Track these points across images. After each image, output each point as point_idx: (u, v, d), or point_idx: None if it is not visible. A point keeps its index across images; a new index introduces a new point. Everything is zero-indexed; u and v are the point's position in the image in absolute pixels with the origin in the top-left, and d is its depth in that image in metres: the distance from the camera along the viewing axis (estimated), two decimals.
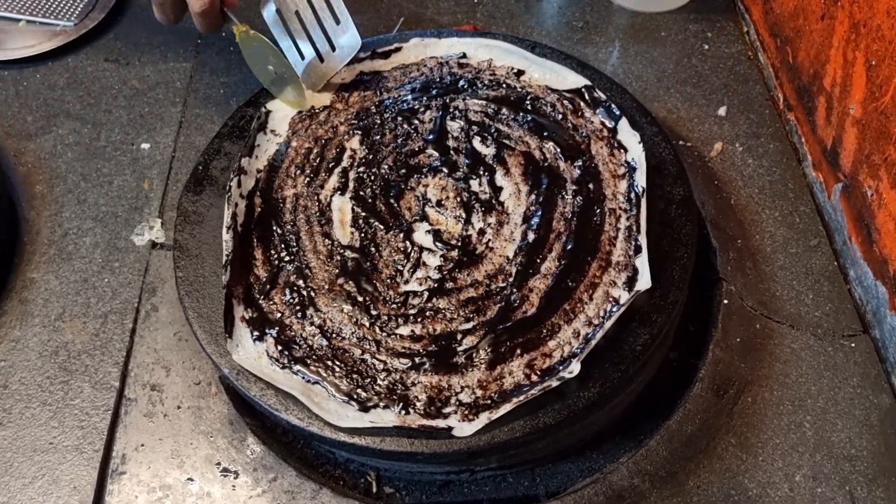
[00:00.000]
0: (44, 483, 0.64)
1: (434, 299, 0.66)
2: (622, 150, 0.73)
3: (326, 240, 0.70)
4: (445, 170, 0.74)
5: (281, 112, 0.79)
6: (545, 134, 0.75)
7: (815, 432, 0.66)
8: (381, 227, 0.71)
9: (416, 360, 0.62)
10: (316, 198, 0.73)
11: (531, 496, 0.67)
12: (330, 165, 0.75)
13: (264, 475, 0.65)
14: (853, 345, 0.71)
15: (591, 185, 0.72)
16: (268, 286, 0.67)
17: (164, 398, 0.69)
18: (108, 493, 0.64)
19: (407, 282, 0.68)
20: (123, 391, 0.69)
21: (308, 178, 0.74)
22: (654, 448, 0.65)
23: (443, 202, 0.72)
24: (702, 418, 0.66)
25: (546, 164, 0.73)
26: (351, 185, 0.74)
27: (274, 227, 0.71)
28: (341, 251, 0.69)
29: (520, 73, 0.80)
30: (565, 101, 0.77)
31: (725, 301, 0.73)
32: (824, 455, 0.65)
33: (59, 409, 0.68)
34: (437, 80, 0.81)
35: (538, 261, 0.67)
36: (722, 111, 0.88)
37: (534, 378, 0.61)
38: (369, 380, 0.62)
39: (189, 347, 0.71)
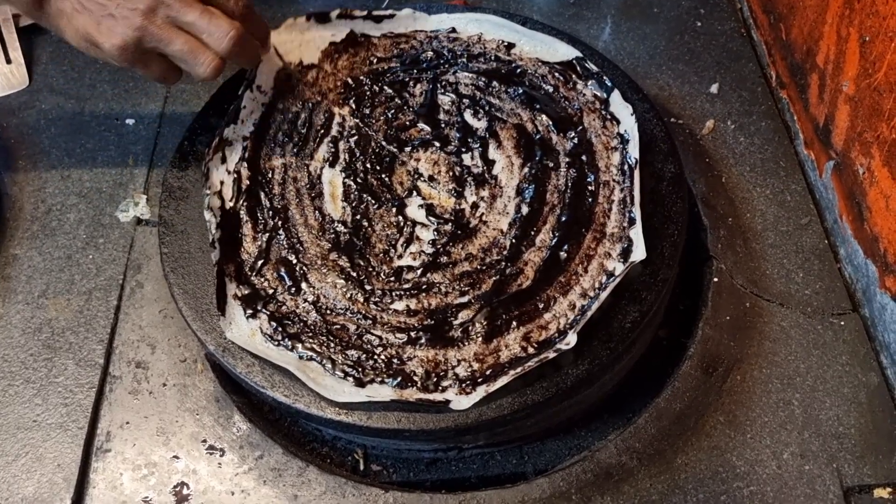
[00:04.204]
0: (27, 460, 0.64)
1: (428, 273, 0.66)
2: (614, 122, 0.72)
3: (318, 214, 0.69)
4: (437, 143, 0.73)
5: (266, 66, 0.77)
6: (537, 106, 0.74)
7: (803, 410, 0.66)
8: (373, 201, 0.70)
9: (412, 334, 0.62)
10: (305, 169, 0.72)
11: (519, 474, 0.67)
12: (319, 133, 0.74)
13: (250, 453, 0.64)
14: (842, 323, 0.71)
15: (584, 158, 0.71)
16: (259, 262, 0.66)
17: (149, 375, 0.68)
18: (92, 470, 0.64)
19: (401, 256, 0.67)
20: (108, 368, 0.69)
21: (297, 148, 0.73)
22: (642, 426, 0.65)
23: (435, 176, 0.72)
24: (691, 396, 0.66)
25: (539, 136, 0.73)
26: (342, 157, 0.73)
27: (263, 200, 0.70)
28: (333, 225, 0.68)
29: (510, 46, 0.79)
30: (557, 74, 0.76)
31: (715, 279, 0.72)
32: (812, 433, 0.65)
33: (43, 386, 0.67)
34: (427, 53, 0.79)
35: (532, 233, 0.67)
36: (714, 88, 0.87)
37: (530, 350, 0.60)
38: (365, 355, 0.61)
39: (174, 324, 0.70)
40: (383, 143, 0.74)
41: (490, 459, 0.68)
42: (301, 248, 0.67)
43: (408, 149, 0.73)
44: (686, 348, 0.69)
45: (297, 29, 0.79)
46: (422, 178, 0.71)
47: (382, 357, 0.61)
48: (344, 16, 0.80)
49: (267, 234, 0.68)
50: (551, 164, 0.71)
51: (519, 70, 0.78)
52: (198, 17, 0.63)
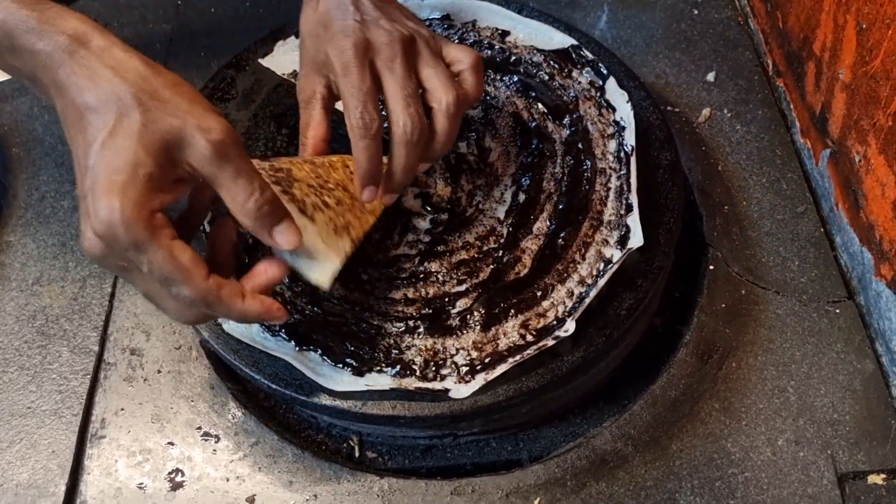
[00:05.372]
0: (22, 447, 0.64)
1: (425, 263, 0.65)
2: (610, 110, 0.72)
3: None
4: None
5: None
6: (532, 94, 0.74)
7: (798, 397, 0.66)
8: None
9: (410, 323, 0.62)
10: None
11: (514, 461, 0.67)
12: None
13: (245, 439, 0.64)
14: (838, 311, 0.71)
15: (580, 146, 0.71)
16: (254, 248, 0.66)
17: (144, 362, 0.68)
18: (87, 457, 0.64)
19: (397, 246, 0.67)
20: (103, 355, 0.68)
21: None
22: (637, 413, 0.65)
23: (431, 165, 0.71)
24: (686, 383, 0.66)
25: (534, 124, 0.72)
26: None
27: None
28: None
29: (505, 34, 0.79)
30: (552, 62, 0.76)
31: (711, 267, 0.72)
32: (807, 419, 0.65)
33: (37, 373, 0.67)
34: None
35: (529, 222, 0.67)
36: (710, 77, 0.87)
37: (529, 338, 0.60)
38: (363, 345, 0.61)
39: None
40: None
41: (485, 446, 0.68)
42: None
43: None
44: (681, 336, 0.69)
45: (288, 47, 0.79)
46: None
47: (381, 346, 0.61)
48: None
49: None
50: (547, 153, 0.71)
51: (514, 58, 0.77)
52: (158, 268, 0.45)
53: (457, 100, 0.57)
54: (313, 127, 0.58)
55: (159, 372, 0.68)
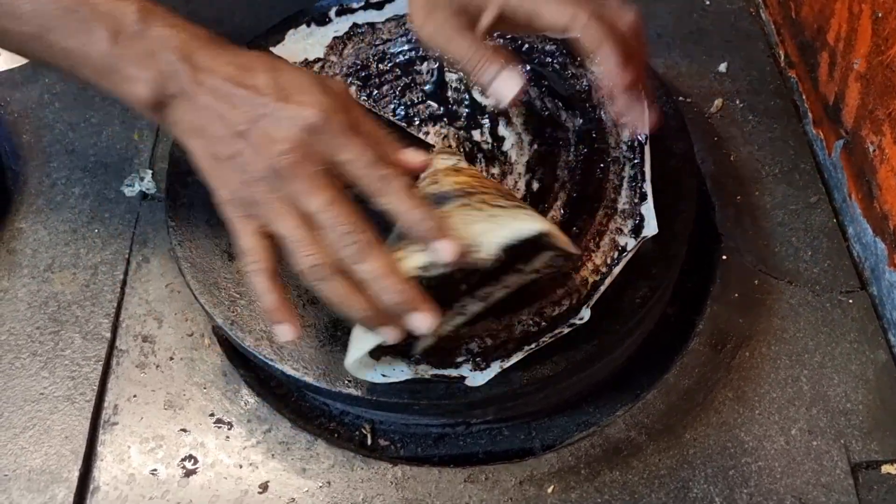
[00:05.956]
0: (35, 432, 0.64)
1: None
2: None
3: None
4: (446, 119, 0.73)
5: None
6: (545, 83, 0.74)
7: (811, 387, 0.66)
8: None
9: None
10: None
11: (527, 449, 0.67)
12: None
13: (258, 426, 0.64)
14: (851, 301, 0.70)
15: (593, 134, 0.70)
16: None
17: (156, 349, 0.68)
18: (100, 443, 0.64)
19: None
20: (115, 342, 0.68)
21: None
22: (651, 401, 0.65)
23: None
24: (699, 372, 0.66)
25: (547, 113, 0.72)
26: None
27: None
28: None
29: None
30: (565, 50, 0.76)
31: (724, 257, 0.72)
32: (820, 409, 0.65)
33: (50, 359, 0.67)
34: None
35: (543, 210, 0.66)
36: (722, 67, 0.87)
37: (543, 326, 0.60)
38: None
39: (181, 298, 0.70)
40: (390, 117, 0.73)
41: (498, 435, 0.68)
42: None
43: (416, 122, 0.73)
44: (695, 325, 0.69)
45: (300, 36, 0.79)
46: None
47: None
48: (343, 11, 0.80)
49: None
50: (561, 141, 0.71)
51: (526, 47, 0.77)
52: (378, 138, 0.51)
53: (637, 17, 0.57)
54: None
55: (172, 359, 0.67)
